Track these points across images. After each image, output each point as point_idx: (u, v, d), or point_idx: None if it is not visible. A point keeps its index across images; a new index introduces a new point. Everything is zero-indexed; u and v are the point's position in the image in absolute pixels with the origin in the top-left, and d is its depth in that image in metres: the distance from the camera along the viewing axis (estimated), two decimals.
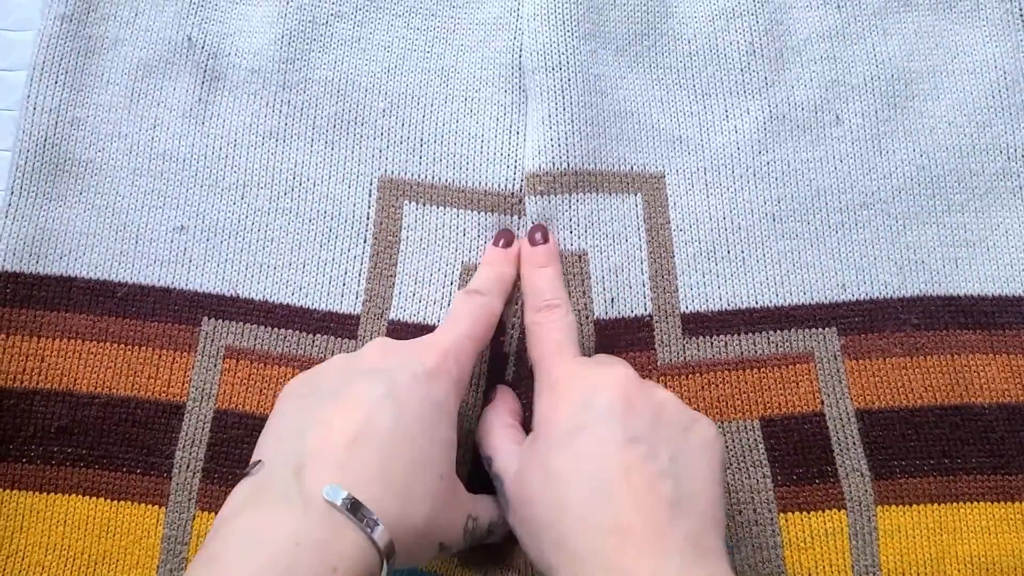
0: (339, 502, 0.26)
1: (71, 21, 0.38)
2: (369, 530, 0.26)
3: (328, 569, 0.25)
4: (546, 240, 0.36)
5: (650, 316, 0.37)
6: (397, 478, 0.28)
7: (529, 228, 0.37)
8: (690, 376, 0.36)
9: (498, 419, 0.34)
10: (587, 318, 0.36)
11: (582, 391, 0.30)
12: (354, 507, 0.26)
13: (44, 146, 0.37)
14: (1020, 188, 0.38)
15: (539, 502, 0.29)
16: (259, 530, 0.26)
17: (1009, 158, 0.38)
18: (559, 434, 0.30)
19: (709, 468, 0.30)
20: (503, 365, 0.37)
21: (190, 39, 0.39)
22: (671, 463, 0.28)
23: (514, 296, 0.37)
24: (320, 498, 0.26)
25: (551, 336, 0.33)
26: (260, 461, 0.29)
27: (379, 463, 0.28)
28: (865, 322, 0.36)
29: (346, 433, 0.28)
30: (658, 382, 0.35)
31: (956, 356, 0.36)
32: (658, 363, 0.36)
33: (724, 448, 0.31)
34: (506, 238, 0.37)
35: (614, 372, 0.31)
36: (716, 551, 0.28)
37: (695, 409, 0.33)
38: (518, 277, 0.36)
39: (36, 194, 0.37)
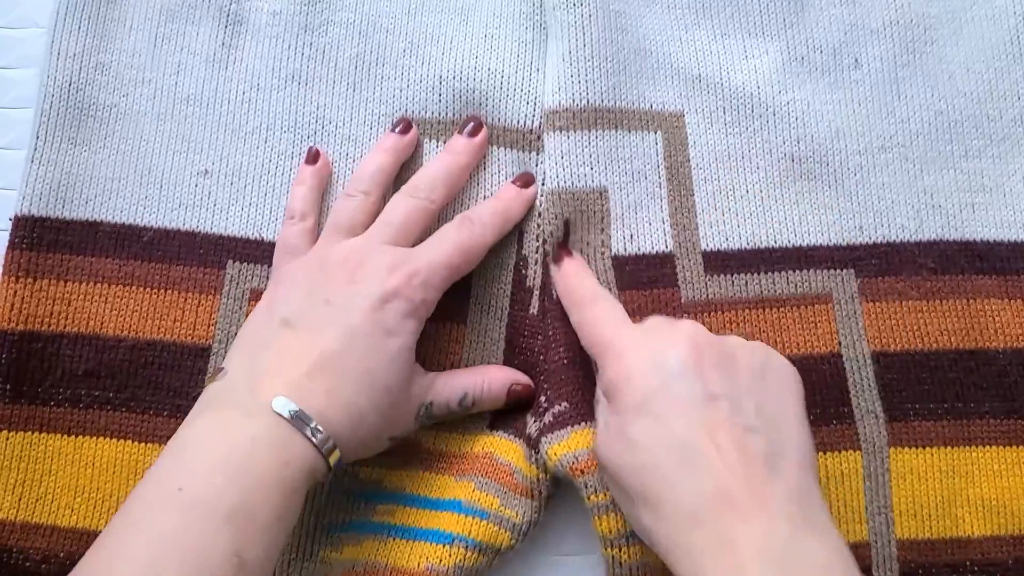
0: (286, 413, 0.29)
1: None
2: (315, 438, 0.29)
3: (280, 463, 0.29)
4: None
5: (671, 253, 0.37)
6: (343, 395, 0.30)
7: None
8: (713, 314, 0.36)
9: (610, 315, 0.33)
10: (603, 254, 0.36)
11: (651, 353, 0.30)
12: (300, 418, 0.29)
13: (69, 91, 0.38)
14: None
15: (627, 470, 0.29)
16: (218, 429, 0.29)
17: None
18: (634, 401, 0.29)
19: (795, 412, 0.29)
20: (527, 299, 0.37)
21: None
22: (757, 415, 0.28)
23: (536, 233, 0.37)
24: (271, 409, 0.29)
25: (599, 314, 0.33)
26: (224, 369, 0.32)
27: (327, 384, 0.30)
28: (882, 265, 0.37)
29: (299, 358, 0.31)
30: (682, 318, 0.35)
31: (971, 300, 0.36)
32: (682, 300, 0.36)
33: (801, 381, 0.31)
34: (524, 179, 0.37)
35: (681, 328, 0.30)
36: (820, 508, 0.27)
37: None
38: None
39: (61, 139, 0.37)
